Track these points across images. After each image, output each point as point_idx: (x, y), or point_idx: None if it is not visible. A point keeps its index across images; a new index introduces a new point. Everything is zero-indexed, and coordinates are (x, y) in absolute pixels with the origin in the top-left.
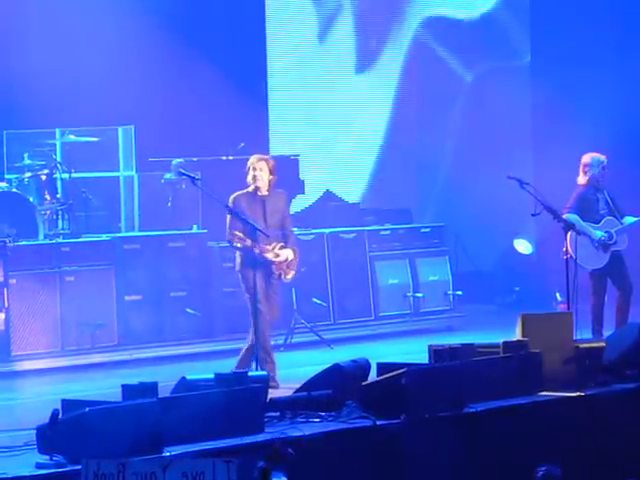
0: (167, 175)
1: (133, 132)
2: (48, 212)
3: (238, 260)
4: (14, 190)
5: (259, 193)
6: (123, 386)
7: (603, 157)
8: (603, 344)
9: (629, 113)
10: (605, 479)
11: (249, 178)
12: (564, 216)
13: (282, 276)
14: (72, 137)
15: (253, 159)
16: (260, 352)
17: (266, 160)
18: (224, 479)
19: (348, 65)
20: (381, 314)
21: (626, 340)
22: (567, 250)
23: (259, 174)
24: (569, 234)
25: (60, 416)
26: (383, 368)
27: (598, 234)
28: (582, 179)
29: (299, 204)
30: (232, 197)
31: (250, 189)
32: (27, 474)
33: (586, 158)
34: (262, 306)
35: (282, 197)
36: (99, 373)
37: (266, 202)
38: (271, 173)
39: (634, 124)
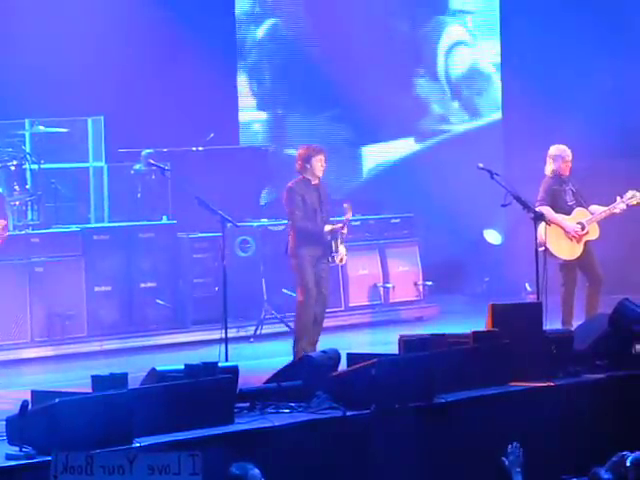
0: (137, 166)
1: (102, 123)
2: (17, 203)
3: (292, 244)
4: None
5: (313, 182)
6: (93, 377)
7: (567, 150)
8: (572, 334)
9: (599, 104)
10: (573, 469)
11: (318, 168)
12: (537, 209)
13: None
14: (41, 128)
15: (322, 152)
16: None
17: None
18: (190, 472)
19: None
20: (351, 304)
21: (596, 330)
22: (542, 241)
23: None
24: (540, 225)
25: (30, 407)
26: (353, 359)
27: (571, 225)
28: (548, 169)
29: (269, 195)
30: (291, 185)
31: (303, 178)
32: None
33: (551, 150)
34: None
35: (326, 187)
36: (69, 364)
37: (320, 190)
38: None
39: (604, 116)
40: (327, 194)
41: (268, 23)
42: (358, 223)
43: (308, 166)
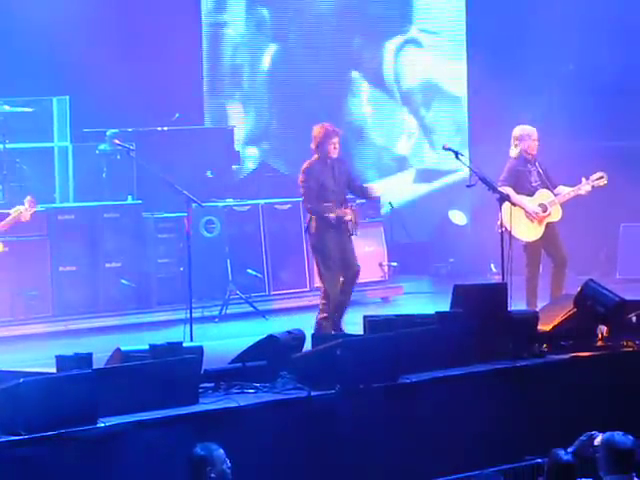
0: (102, 146)
1: (68, 103)
2: None
3: (314, 224)
4: None
5: (328, 161)
6: (57, 357)
7: (533, 129)
8: (537, 315)
9: (565, 85)
10: (537, 450)
11: (331, 150)
12: (499, 188)
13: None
14: (6, 107)
15: (336, 135)
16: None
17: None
18: None
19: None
20: (316, 285)
21: (560, 311)
22: (501, 223)
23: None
24: (503, 206)
25: None
26: (318, 339)
27: (532, 206)
28: (513, 152)
29: (234, 175)
30: (306, 166)
31: (319, 157)
32: None
33: (516, 131)
34: (336, 268)
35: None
36: (33, 344)
37: (335, 168)
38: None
39: (569, 96)
40: (344, 170)
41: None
42: None
43: (321, 147)
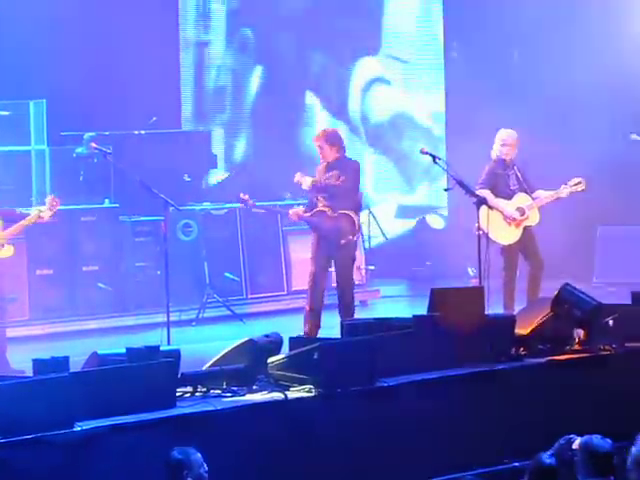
0: (79, 149)
1: (44, 106)
2: None
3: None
4: None
5: (327, 164)
6: (34, 360)
7: (513, 134)
8: (514, 319)
9: (546, 90)
10: (514, 453)
11: (325, 155)
12: (477, 192)
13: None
14: None
15: (329, 141)
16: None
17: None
18: None
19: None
20: (294, 289)
21: (537, 315)
22: (479, 226)
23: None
24: (481, 210)
25: None
26: (295, 343)
27: (509, 210)
28: (494, 154)
29: (212, 178)
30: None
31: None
32: None
33: (500, 133)
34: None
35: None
36: (10, 347)
37: (332, 171)
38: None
39: (550, 100)
40: (340, 174)
41: None
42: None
43: (320, 151)
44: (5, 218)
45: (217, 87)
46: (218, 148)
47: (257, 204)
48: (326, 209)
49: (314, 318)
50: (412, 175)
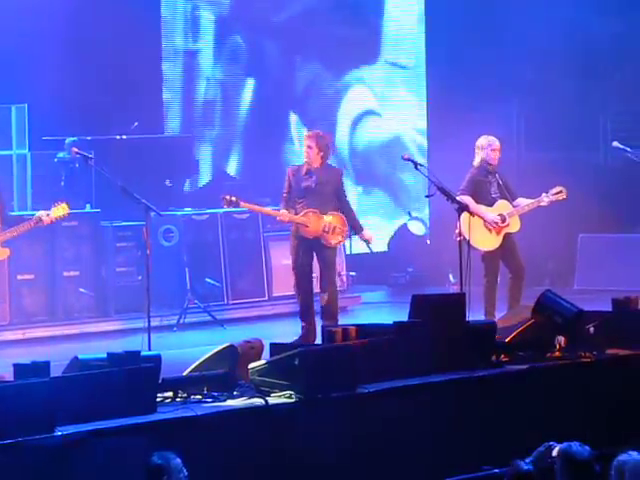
0: (60, 154)
1: (26, 110)
2: None
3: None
4: None
5: (311, 167)
6: (15, 365)
7: (495, 141)
8: (495, 325)
9: (525, 97)
10: (493, 460)
11: (304, 155)
12: (458, 198)
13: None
14: None
15: (310, 137)
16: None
17: (309, 136)
18: None
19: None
20: (275, 294)
21: (518, 322)
22: (460, 232)
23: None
24: (462, 216)
25: None
26: (276, 348)
27: (491, 216)
28: (476, 161)
29: (193, 184)
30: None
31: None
32: None
33: (479, 140)
34: (301, 281)
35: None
36: None
37: (318, 175)
38: (320, 149)
39: (528, 108)
40: (329, 179)
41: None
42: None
43: (307, 149)
44: (5, 222)
45: (206, 100)
46: (206, 166)
47: (245, 205)
48: (315, 210)
49: (307, 323)
50: (407, 203)
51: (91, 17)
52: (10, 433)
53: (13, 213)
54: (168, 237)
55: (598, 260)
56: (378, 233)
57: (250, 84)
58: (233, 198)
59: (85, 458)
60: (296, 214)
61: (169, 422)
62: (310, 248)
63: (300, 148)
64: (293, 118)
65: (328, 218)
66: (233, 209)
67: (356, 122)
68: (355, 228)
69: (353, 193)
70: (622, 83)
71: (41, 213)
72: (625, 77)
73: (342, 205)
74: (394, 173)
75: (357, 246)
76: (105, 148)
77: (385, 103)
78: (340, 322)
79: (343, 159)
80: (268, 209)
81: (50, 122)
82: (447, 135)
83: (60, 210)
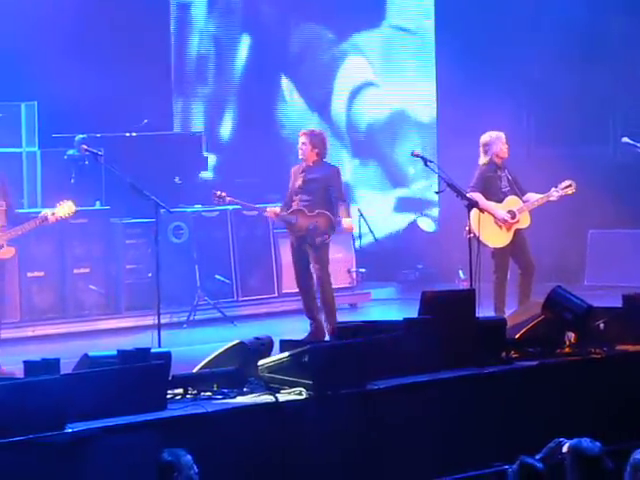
0: (70, 151)
1: (36, 108)
2: None
3: None
4: None
5: (306, 165)
6: (25, 362)
7: (501, 134)
8: (505, 322)
9: (533, 93)
10: (504, 457)
11: (300, 152)
12: (468, 195)
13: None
14: None
15: (303, 134)
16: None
17: (303, 134)
18: None
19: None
20: (284, 291)
21: (528, 318)
22: (470, 229)
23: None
24: (472, 213)
25: None
26: (286, 345)
27: (501, 214)
28: (483, 159)
29: (202, 181)
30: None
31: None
32: None
33: (484, 137)
34: (298, 277)
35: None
36: (1, 349)
37: (309, 173)
38: (314, 146)
39: (537, 104)
40: (320, 177)
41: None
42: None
43: (301, 146)
44: (11, 221)
45: (199, 56)
46: (198, 126)
47: (232, 200)
48: (303, 208)
49: (314, 320)
50: (404, 178)
51: (101, 14)
52: (20, 430)
53: (23, 210)
54: (178, 234)
55: (608, 256)
56: (370, 207)
57: (245, 41)
58: (223, 194)
59: (95, 455)
60: (287, 210)
61: (179, 419)
62: (303, 245)
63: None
64: (286, 82)
65: (313, 216)
66: (229, 206)
67: (355, 94)
68: (334, 227)
69: (349, 166)
70: (632, 79)
71: (46, 211)
72: (635, 73)
73: (327, 203)
74: (392, 149)
75: (366, 239)
76: (115, 145)
77: (387, 75)
78: (350, 319)
79: (340, 130)
80: (256, 206)
81: (60, 119)
82: (456, 131)
83: (66, 208)
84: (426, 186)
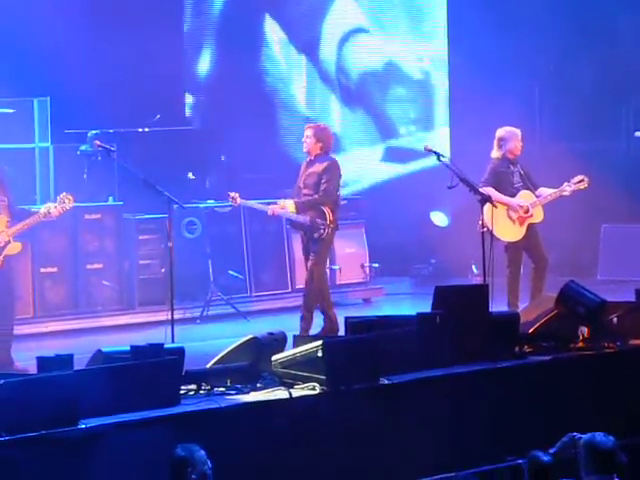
0: (83, 147)
1: (49, 103)
2: None
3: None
4: None
5: (310, 158)
6: (38, 358)
7: (517, 130)
8: (518, 316)
9: (547, 88)
10: (517, 451)
11: (304, 145)
12: (480, 189)
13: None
14: None
15: (308, 127)
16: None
17: (308, 127)
18: None
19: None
20: (298, 286)
21: (541, 312)
22: (483, 223)
23: (304, 140)
24: (485, 207)
25: None
26: (299, 340)
27: (516, 201)
28: (496, 153)
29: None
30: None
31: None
32: None
33: (500, 132)
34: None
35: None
36: (14, 345)
37: (310, 166)
38: (318, 140)
39: (550, 99)
40: (317, 170)
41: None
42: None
43: (305, 139)
44: (15, 216)
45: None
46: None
47: (244, 203)
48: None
49: (326, 315)
50: (393, 130)
51: (113, 10)
52: (34, 426)
53: (36, 206)
54: (191, 229)
55: (621, 250)
56: (357, 157)
57: None
58: (236, 195)
59: (108, 451)
60: None
61: (193, 414)
62: (303, 241)
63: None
64: (270, 22)
65: (309, 212)
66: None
67: (344, 39)
68: (331, 222)
69: (337, 114)
70: None
71: (48, 205)
72: None
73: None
74: (382, 101)
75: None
76: (127, 141)
77: (381, 23)
78: (363, 313)
79: (330, 76)
80: (260, 205)
81: (72, 115)
82: (469, 126)
83: (67, 202)
84: (417, 138)
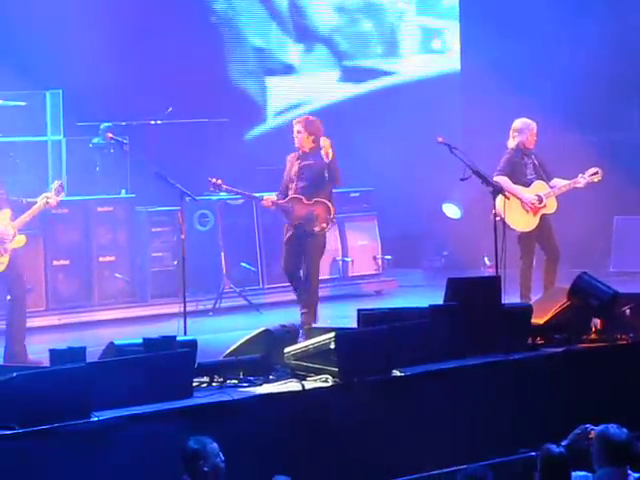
0: (95, 139)
1: (61, 96)
2: None
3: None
4: None
5: (302, 152)
6: (51, 351)
7: (534, 123)
8: (531, 308)
9: (559, 80)
10: (530, 443)
11: (296, 141)
12: (494, 178)
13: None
14: None
15: (297, 122)
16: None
17: (298, 122)
18: None
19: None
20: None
21: (554, 304)
22: (497, 213)
23: (295, 135)
24: (498, 197)
25: None
26: (312, 332)
27: (528, 196)
28: (511, 143)
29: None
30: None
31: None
32: None
33: (516, 123)
34: (285, 263)
35: (316, 156)
36: (27, 338)
37: (303, 160)
38: (310, 133)
39: (563, 91)
40: (314, 163)
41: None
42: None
43: (297, 135)
44: (14, 208)
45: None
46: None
47: (229, 189)
48: (301, 196)
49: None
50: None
51: (124, 2)
52: (47, 418)
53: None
54: (203, 222)
55: (634, 242)
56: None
57: None
58: (219, 181)
59: (121, 443)
60: (284, 198)
61: (205, 407)
62: (297, 233)
63: None
64: None
65: (311, 205)
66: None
67: None
68: (332, 216)
69: (294, 51)
70: None
71: (45, 195)
72: None
73: (323, 189)
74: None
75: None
76: (140, 133)
77: None
78: (376, 306)
79: (282, 12)
80: (252, 194)
81: (85, 108)
82: (481, 118)
83: (60, 189)
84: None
